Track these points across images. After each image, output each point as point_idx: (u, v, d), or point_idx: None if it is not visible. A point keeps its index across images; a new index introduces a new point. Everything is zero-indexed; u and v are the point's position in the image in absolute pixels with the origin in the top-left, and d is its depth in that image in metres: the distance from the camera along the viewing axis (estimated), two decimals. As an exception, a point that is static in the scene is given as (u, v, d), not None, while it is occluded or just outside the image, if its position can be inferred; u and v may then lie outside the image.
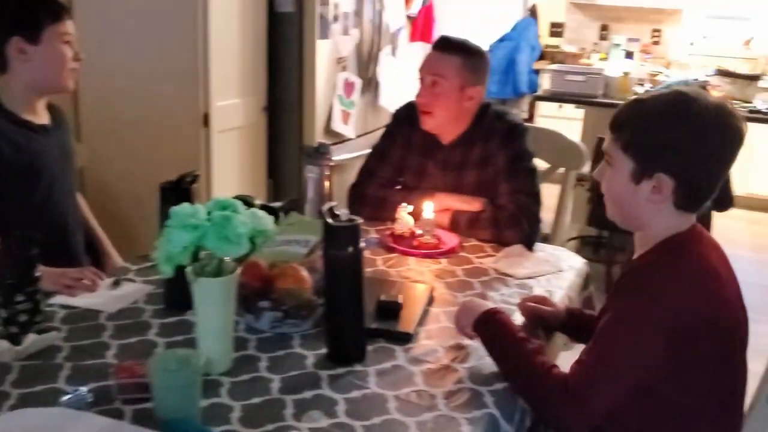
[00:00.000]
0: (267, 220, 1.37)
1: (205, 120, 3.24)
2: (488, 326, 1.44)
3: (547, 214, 2.21)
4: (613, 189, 1.39)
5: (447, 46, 2.18)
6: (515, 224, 2.11)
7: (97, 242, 2.26)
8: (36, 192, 1.97)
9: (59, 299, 1.66)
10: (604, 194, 1.43)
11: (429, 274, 1.92)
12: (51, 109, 2.10)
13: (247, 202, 1.83)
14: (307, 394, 1.31)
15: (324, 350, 1.46)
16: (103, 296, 1.70)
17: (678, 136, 1.30)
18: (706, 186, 1.34)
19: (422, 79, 2.19)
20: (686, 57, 6.21)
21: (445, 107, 2.17)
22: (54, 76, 1.97)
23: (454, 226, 2.18)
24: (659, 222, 1.36)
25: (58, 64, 1.96)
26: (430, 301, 1.73)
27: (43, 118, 2.04)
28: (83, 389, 1.27)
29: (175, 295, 1.60)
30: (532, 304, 1.66)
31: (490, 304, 1.52)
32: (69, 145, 2.16)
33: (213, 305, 1.35)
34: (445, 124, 2.22)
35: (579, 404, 1.29)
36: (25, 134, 1.95)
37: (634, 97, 1.41)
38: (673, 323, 1.26)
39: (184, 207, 1.29)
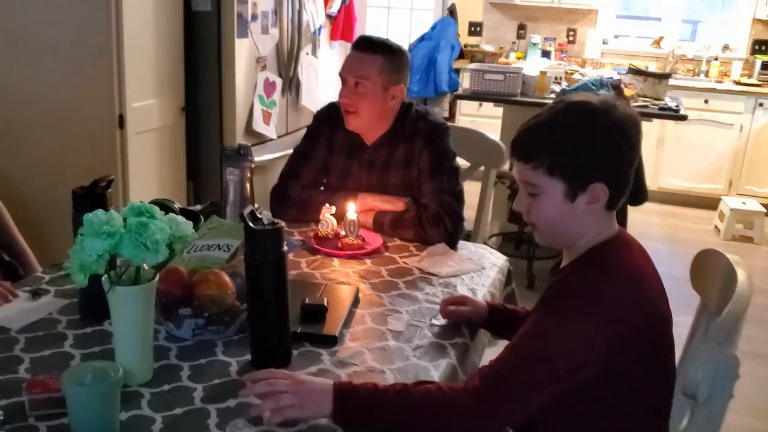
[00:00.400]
0: (186, 225, 1.33)
1: (121, 121, 3.14)
2: (351, 405, 1.25)
3: (468, 212, 2.24)
4: (547, 215, 1.37)
5: (368, 45, 2.17)
6: (438, 223, 2.13)
7: (17, 252, 2.18)
8: None
9: (-35, 313, 1.58)
10: (532, 223, 1.41)
11: (354, 275, 1.91)
12: None
13: (166, 206, 1.79)
14: (231, 403, 1.28)
15: (248, 356, 1.43)
16: (16, 309, 1.62)
17: (602, 145, 1.31)
18: (630, 182, 1.36)
19: (345, 80, 2.18)
20: (600, 56, 6.41)
21: (369, 107, 2.17)
22: None
23: (377, 227, 2.18)
24: (597, 229, 1.37)
25: None
26: (356, 302, 1.73)
27: None
28: (-7, 407, 1.21)
29: (91, 305, 1.54)
30: (453, 307, 1.67)
31: (322, 380, 1.31)
32: None
33: (131, 314, 1.31)
34: (369, 124, 2.22)
35: (494, 399, 1.25)
36: None
37: (529, 121, 1.38)
38: (609, 317, 1.26)
39: (98, 214, 1.24)
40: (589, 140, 1.31)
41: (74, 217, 1.49)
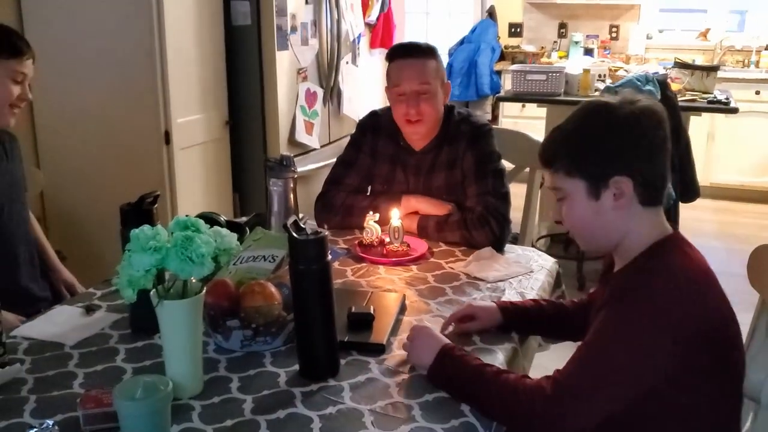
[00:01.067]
0: (230, 237, 1.34)
1: (167, 137, 3.19)
2: (444, 368, 1.37)
3: (515, 214, 2.21)
4: (577, 217, 1.38)
5: (417, 51, 2.19)
6: (484, 225, 2.10)
7: (48, 264, 2.24)
8: None
9: (22, 330, 1.62)
10: (571, 231, 1.42)
11: (400, 282, 1.90)
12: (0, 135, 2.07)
13: (212, 219, 1.81)
14: (281, 414, 1.28)
15: (296, 367, 1.43)
16: (70, 325, 1.65)
17: (616, 139, 1.32)
18: (658, 175, 1.34)
19: (404, 93, 2.16)
20: (645, 51, 6.29)
21: (436, 110, 2.19)
22: None
23: (422, 231, 2.17)
24: (636, 228, 1.35)
25: (0, 99, 1.94)
26: (403, 309, 1.72)
27: None
28: (49, 422, 1.23)
29: (141, 319, 1.56)
30: (456, 328, 1.61)
31: (442, 339, 1.44)
32: (18, 173, 2.13)
33: (179, 328, 1.32)
34: (432, 127, 2.22)
35: (568, 407, 1.24)
36: None
37: (553, 130, 1.41)
38: (679, 324, 1.22)
39: (144, 229, 1.26)
40: (603, 135, 1.33)
41: (122, 233, 1.52)
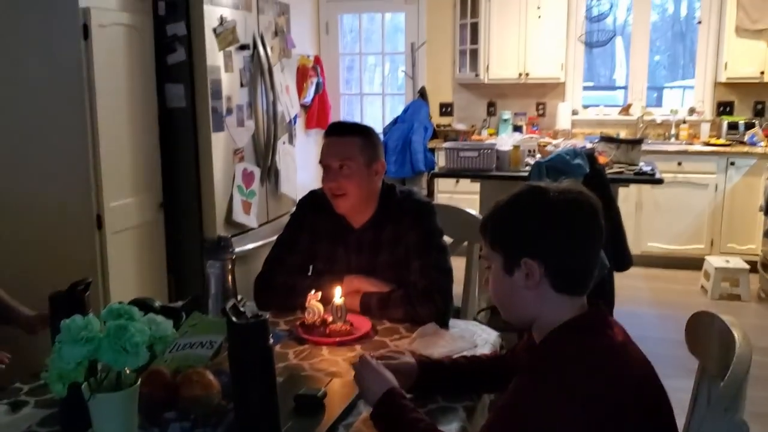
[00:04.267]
0: (166, 324, 1.29)
1: (99, 221, 3.12)
2: (388, 413, 1.44)
3: (455, 287, 2.22)
4: (495, 288, 1.42)
5: (343, 129, 2.26)
6: (428, 300, 2.10)
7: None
8: None
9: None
10: (492, 300, 1.46)
11: (344, 363, 1.85)
12: None
13: (146, 304, 1.75)
14: None
15: (238, 458, 1.37)
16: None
17: (531, 223, 1.35)
18: (576, 268, 1.36)
19: (328, 167, 2.21)
20: (571, 126, 6.53)
21: (357, 186, 2.20)
22: None
23: (365, 309, 2.15)
24: (548, 310, 1.37)
25: None
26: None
27: None
28: None
29: (72, 415, 1.47)
30: (380, 360, 1.64)
31: (390, 380, 1.50)
32: None
33: (113, 422, 1.25)
34: (358, 205, 2.24)
35: None
36: None
37: (494, 203, 1.46)
38: (589, 401, 1.23)
39: (75, 319, 1.20)
40: (524, 216, 1.37)
41: (52, 323, 1.44)
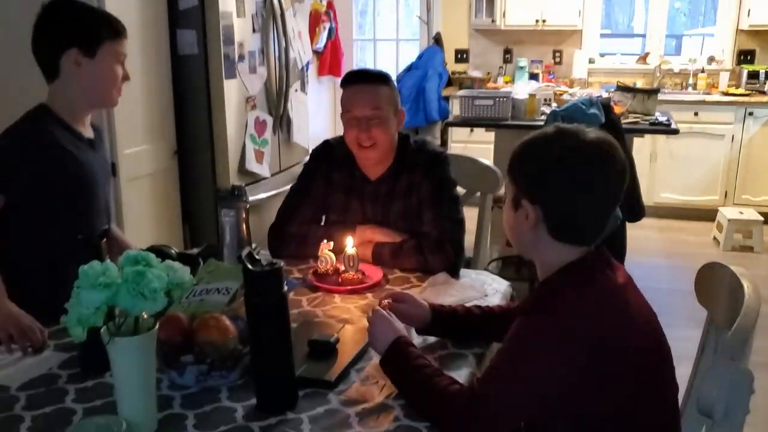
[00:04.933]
0: (183, 271, 1.31)
1: (113, 169, 3.13)
2: (394, 360, 1.46)
3: (467, 238, 2.23)
4: (504, 216, 1.44)
5: (369, 77, 2.20)
6: (440, 250, 2.11)
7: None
8: (78, 204, 1.98)
9: (-36, 373, 1.55)
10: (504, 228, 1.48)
11: (356, 310, 1.89)
12: (93, 126, 2.12)
13: (163, 252, 1.78)
14: (239, 450, 1.26)
15: (254, 401, 1.41)
16: (15, 366, 1.59)
17: (542, 167, 1.34)
18: (579, 221, 1.35)
19: (355, 117, 2.15)
20: (587, 75, 6.44)
21: (386, 136, 2.17)
22: (103, 91, 2.00)
23: (377, 259, 2.16)
24: (545, 252, 1.39)
25: (109, 80, 1.99)
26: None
27: (89, 132, 2.07)
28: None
29: (92, 357, 1.51)
30: (391, 302, 1.67)
31: (399, 329, 1.52)
32: (108, 164, 2.23)
33: (132, 365, 1.29)
34: (384, 155, 2.22)
35: (482, 413, 1.28)
36: (76, 144, 1.98)
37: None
38: (585, 339, 1.26)
39: (93, 265, 1.22)
40: (534, 160, 1.36)
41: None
